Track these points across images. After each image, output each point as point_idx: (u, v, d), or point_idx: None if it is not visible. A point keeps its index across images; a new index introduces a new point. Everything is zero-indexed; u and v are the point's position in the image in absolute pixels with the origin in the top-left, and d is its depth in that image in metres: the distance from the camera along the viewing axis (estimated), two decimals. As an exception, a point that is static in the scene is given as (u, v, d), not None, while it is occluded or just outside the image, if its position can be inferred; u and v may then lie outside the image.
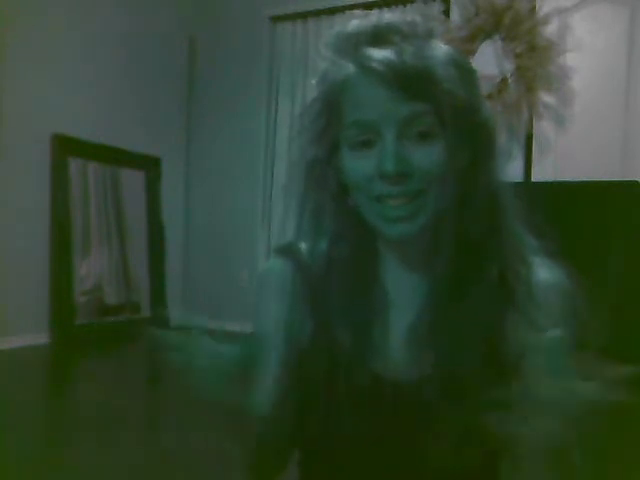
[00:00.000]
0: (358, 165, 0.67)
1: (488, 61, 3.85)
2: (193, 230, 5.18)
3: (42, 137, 3.98)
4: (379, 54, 0.64)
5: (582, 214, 3.22)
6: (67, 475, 1.98)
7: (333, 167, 0.71)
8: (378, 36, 0.65)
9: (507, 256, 0.70)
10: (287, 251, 0.77)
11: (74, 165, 4.18)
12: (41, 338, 3.93)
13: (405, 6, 4.24)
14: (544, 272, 0.71)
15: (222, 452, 1.81)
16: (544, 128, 3.85)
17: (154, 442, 2.35)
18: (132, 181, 4.65)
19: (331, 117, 0.69)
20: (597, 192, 3.43)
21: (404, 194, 0.65)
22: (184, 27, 5.05)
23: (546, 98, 3.79)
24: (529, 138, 3.91)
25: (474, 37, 3.91)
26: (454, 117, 0.64)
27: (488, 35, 3.90)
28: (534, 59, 3.74)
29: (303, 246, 0.76)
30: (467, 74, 0.68)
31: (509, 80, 3.83)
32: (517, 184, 0.74)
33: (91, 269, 4.31)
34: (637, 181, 3.43)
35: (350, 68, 0.66)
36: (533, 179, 3.88)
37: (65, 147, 4.08)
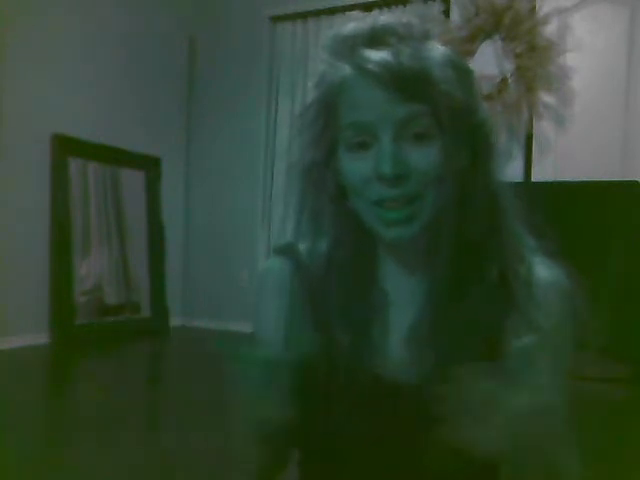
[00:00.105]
0: (355, 167, 0.67)
1: (488, 61, 3.85)
2: (193, 230, 5.18)
3: (42, 137, 3.98)
4: (376, 56, 0.64)
5: (582, 214, 3.23)
6: (67, 475, 1.98)
7: (331, 169, 0.71)
8: (375, 38, 0.66)
9: (507, 256, 0.70)
10: (286, 251, 0.78)
11: (74, 165, 4.18)
12: (41, 338, 3.93)
13: (405, 6, 4.23)
14: (544, 272, 0.71)
15: (222, 452, 1.82)
16: (544, 128, 3.85)
17: (154, 442, 2.35)
18: (132, 181, 4.65)
19: (329, 119, 0.69)
20: (597, 192, 3.44)
21: (401, 197, 0.65)
22: (184, 27, 5.05)
23: (546, 98, 3.79)
24: (529, 138, 3.91)
25: (474, 37, 3.91)
26: (451, 118, 0.64)
27: (488, 35, 3.90)
28: (534, 59, 3.75)
29: (302, 246, 0.76)
30: (464, 75, 0.68)
31: (509, 80, 3.83)
32: (517, 184, 0.74)
33: (91, 269, 4.31)
34: (637, 181, 3.44)
35: (347, 70, 0.66)
36: (533, 179, 3.89)
37: (65, 147, 4.08)
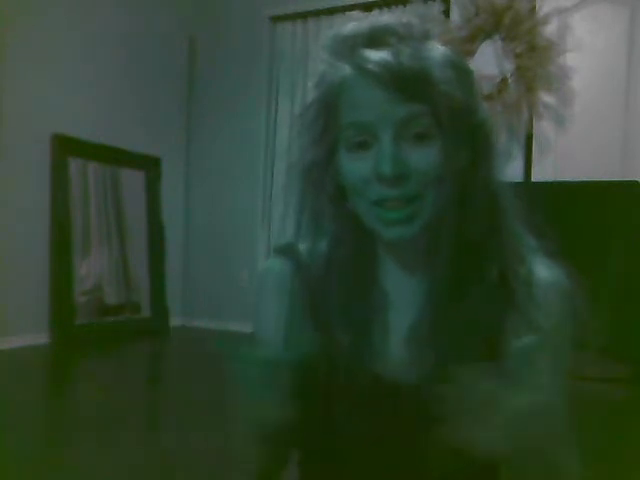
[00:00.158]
0: (355, 167, 0.67)
1: (488, 61, 3.85)
2: (193, 230, 5.18)
3: (42, 137, 3.98)
4: (376, 56, 0.64)
5: (582, 214, 3.23)
6: (67, 475, 1.98)
7: (331, 170, 0.71)
8: (375, 38, 0.66)
9: (507, 256, 0.70)
10: (286, 251, 0.78)
11: (74, 165, 4.18)
12: (41, 338, 3.93)
13: (405, 6, 4.23)
14: (544, 272, 0.71)
15: (222, 452, 1.82)
16: (544, 128, 3.85)
17: (154, 442, 2.35)
18: (132, 181, 4.65)
19: (328, 119, 0.69)
20: (597, 192, 3.43)
21: (401, 197, 0.65)
22: (184, 27, 5.05)
23: (546, 98, 3.79)
24: (529, 138, 3.91)
25: (474, 37, 3.91)
26: (451, 118, 0.64)
27: (488, 35, 3.90)
28: (534, 59, 3.75)
29: (302, 246, 0.76)
30: (464, 75, 0.68)
31: (509, 80, 3.83)
32: (517, 184, 0.74)
33: (91, 269, 4.31)
34: (637, 181, 3.43)
35: (347, 70, 0.66)
36: (533, 179, 3.89)
37: (65, 147, 4.08)
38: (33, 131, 3.92)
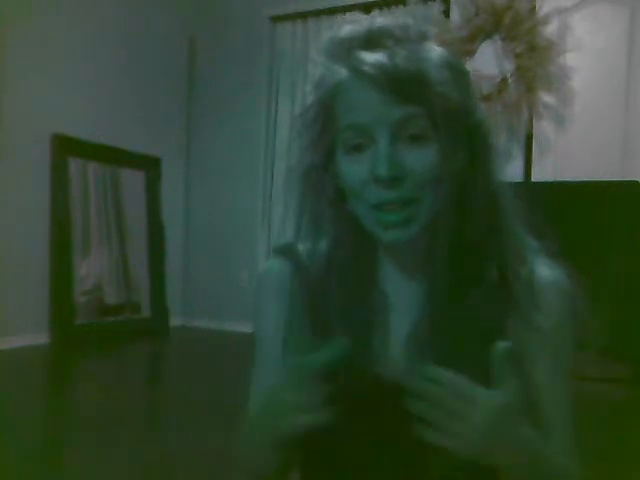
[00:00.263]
0: (352, 170, 0.67)
1: (488, 61, 3.85)
2: (193, 230, 5.18)
3: (42, 137, 3.98)
4: (371, 57, 0.64)
5: (582, 214, 3.23)
6: (67, 475, 1.98)
7: (330, 173, 0.71)
8: (371, 40, 0.66)
9: (508, 257, 0.70)
10: (286, 251, 0.78)
11: (74, 165, 4.18)
12: (41, 338, 3.93)
13: (404, 6, 4.23)
14: (545, 272, 0.71)
15: (222, 452, 1.82)
16: (544, 128, 3.85)
17: (154, 442, 2.35)
18: (132, 181, 4.65)
19: (326, 122, 0.69)
20: (597, 192, 3.44)
21: (398, 200, 0.65)
22: (184, 27, 5.05)
23: (546, 98, 3.79)
24: (529, 138, 3.91)
25: (474, 37, 3.91)
26: (447, 119, 0.64)
27: (488, 35, 3.90)
28: (534, 59, 3.75)
29: (302, 247, 0.76)
30: (461, 76, 0.68)
31: (509, 80, 3.83)
32: (517, 184, 0.74)
33: (91, 269, 4.31)
34: (637, 181, 3.44)
35: (343, 72, 0.67)
36: (533, 179, 3.89)
37: (65, 147, 4.08)
38: (33, 131, 3.92)
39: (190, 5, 5.07)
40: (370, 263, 0.74)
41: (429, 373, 0.59)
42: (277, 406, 0.62)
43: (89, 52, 4.27)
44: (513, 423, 0.59)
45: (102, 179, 4.42)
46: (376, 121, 0.64)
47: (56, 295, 4.01)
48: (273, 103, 4.84)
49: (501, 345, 0.60)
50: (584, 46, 3.61)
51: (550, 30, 3.75)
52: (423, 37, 0.67)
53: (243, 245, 4.91)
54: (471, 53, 3.89)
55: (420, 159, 0.65)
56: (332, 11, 4.48)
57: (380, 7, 4.33)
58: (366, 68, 0.64)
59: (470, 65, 3.71)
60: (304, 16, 4.66)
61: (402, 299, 0.73)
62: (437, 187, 0.66)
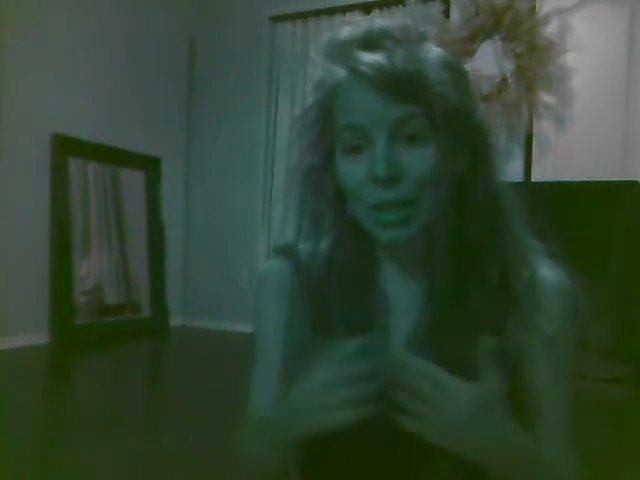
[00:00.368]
0: (351, 170, 0.67)
1: (488, 61, 3.85)
2: (193, 230, 5.18)
3: (42, 137, 3.98)
4: (369, 58, 0.64)
5: (582, 214, 3.23)
6: (67, 475, 1.98)
7: (330, 173, 0.71)
8: (370, 41, 0.66)
9: (509, 257, 0.70)
10: (286, 251, 0.78)
11: (74, 165, 4.18)
12: (41, 338, 3.93)
13: (404, 6, 4.23)
14: (545, 272, 0.71)
15: (222, 452, 1.82)
16: (544, 128, 3.85)
17: (154, 442, 2.35)
18: (132, 181, 4.65)
19: (326, 123, 0.70)
20: (597, 192, 3.44)
21: (397, 201, 0.65)
22: (184, 27, 5.05)
23: (546, 98, 3.79)
24: (529, 138, 3.91)
25: (474, 37, 3.91)
26: (445, 119, 0.64)
27: (488, 35, 3.90)
28: (534, 59, 3.75)
29: (302, 247, 0.76)
30: (460, 76, 0.68)
31: (509, 80, 3.83)
32: (517, 184, 0.74)
33: (91, 269, 4.31)
34: (637, 181, 3.44)
35: (341, 73, 0.67)
36: (533, 179, 3.89)
37: (65, 147, 4.08)
38: (33, 131, 3.92)
39: (190, 5, 5.07)
40: (370, 263, 0.74)
41: (405, 360, 0.59)
42: (311, 403, 0.61)
43: (89, 52, 4.27)
44: (491, 416, 0.59)
45: (102, 179, 4.42)
46: (374, 121, 0.64)
47: (56, 295, 4.01)
48: (273, 103, 4.84)
49: (485, 340, 0.60)
50: (584, 46, 3.61)
51: (550, 30, 3.75)
52: (422, 38, 0.67)
53: (243, 245, 4.91)
54: (471, 53, 3.88)
55: (419, 159, 0.65)
56: (332, 11, 4.48)
57: (380, 7, 4.33)
58: (363, 68, 0.64)
59: (470, 65, 3.71)
60: (304, 16, 4.66)
61: (402, 299, 0.73)
62: (436, 187, 0.66)
